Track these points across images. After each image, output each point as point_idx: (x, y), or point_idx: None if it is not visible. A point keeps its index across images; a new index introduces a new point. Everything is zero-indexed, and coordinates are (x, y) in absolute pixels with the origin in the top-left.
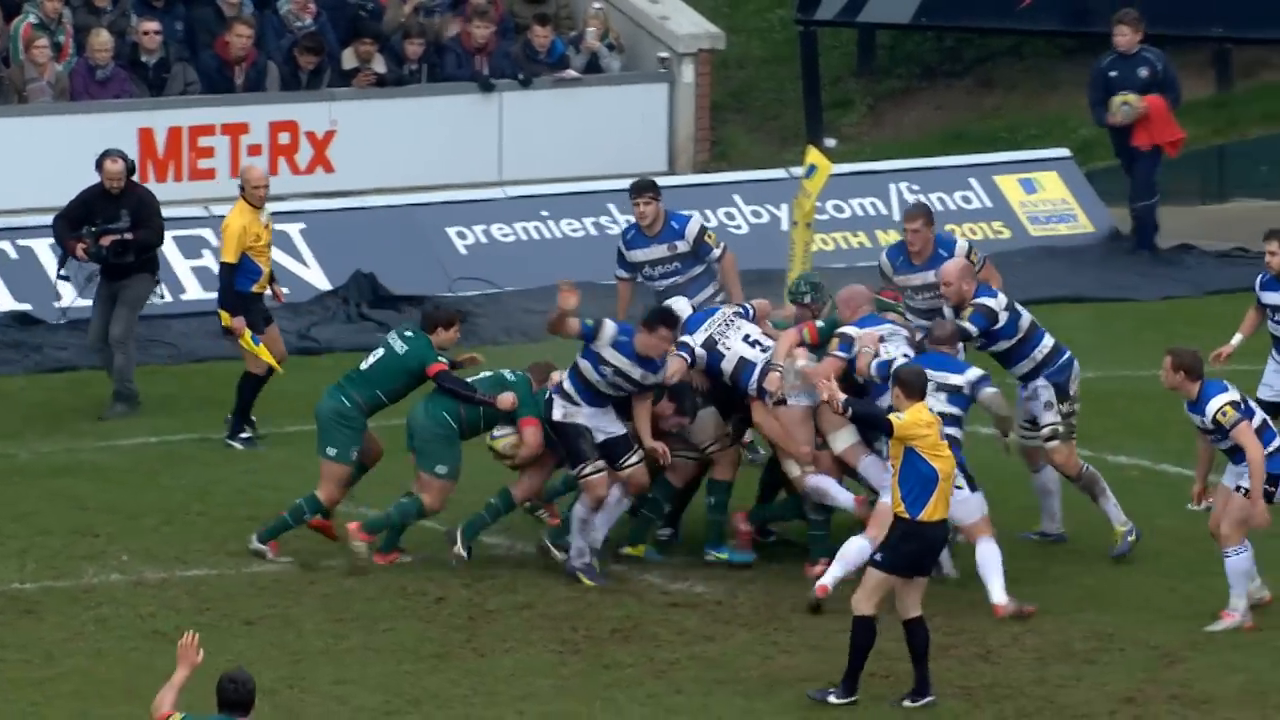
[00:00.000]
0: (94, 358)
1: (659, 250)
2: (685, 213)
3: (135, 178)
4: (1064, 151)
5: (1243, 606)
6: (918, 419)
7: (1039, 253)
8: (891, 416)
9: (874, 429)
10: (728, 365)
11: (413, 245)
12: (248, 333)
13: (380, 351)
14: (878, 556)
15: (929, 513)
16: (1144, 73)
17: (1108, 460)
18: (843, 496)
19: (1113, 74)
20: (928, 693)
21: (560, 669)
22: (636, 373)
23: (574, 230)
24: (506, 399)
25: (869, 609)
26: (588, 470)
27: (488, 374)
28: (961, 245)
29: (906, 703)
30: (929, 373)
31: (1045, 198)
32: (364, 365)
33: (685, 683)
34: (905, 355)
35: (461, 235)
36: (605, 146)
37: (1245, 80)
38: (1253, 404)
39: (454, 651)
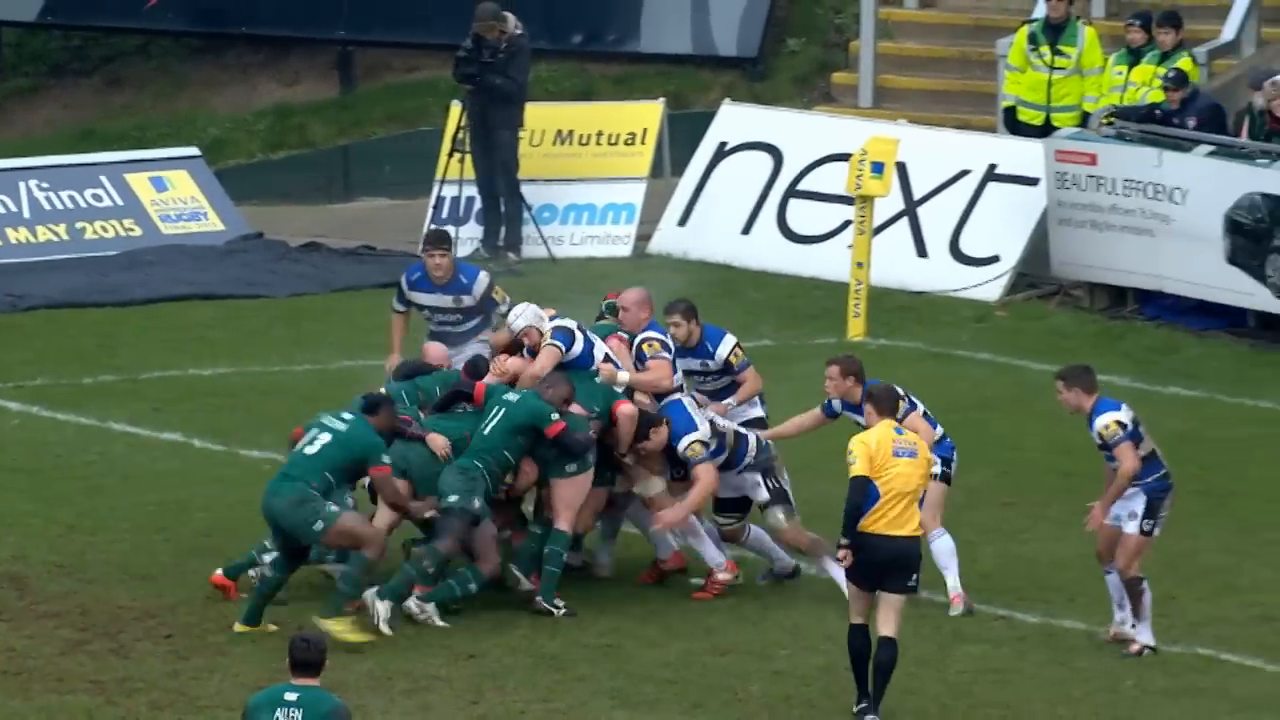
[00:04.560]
0: None
1: (444, 300)
2: (474, 266)
3: None
4: (194, 150)
5: (958, 584)
6: (859, 440)
7: (170, 251)
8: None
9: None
10: None
11: None
12: None
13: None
14: (846, 571)
15: (866, 523)
16: None
17: (241, 455)
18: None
19: None
20: (875, 711)
21: None
22: None
23: None
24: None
25: (852, 618)
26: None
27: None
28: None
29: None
30: None
31: (176, 196)
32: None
33: None
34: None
35: None
36: None
37: (368, 82)
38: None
39: None
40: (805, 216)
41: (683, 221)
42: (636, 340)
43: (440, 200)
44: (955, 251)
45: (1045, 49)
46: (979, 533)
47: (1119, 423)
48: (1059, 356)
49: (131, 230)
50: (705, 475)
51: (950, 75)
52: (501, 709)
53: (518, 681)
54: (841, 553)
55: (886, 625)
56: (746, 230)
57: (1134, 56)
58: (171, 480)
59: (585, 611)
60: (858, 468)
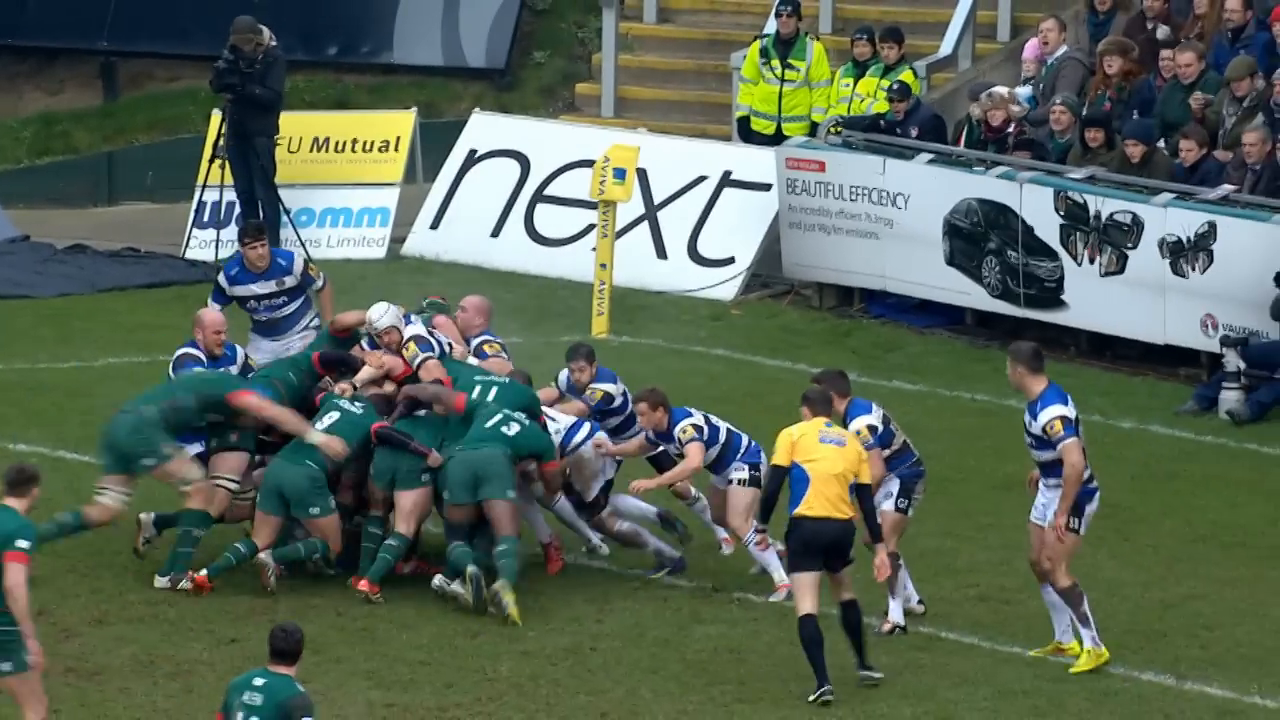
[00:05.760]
0: None
1: (268, 286)
2: (286, 249)
3: None
4: None
5: (781, 574)
6: (784, 432)
7: None
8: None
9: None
10: None
11: None
12: None
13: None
14: (788, 563)
15: (800, 509)
16: None
17: (10, 448)
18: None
19: None
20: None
21: None
22: None
23: None
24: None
25: (804, 609)
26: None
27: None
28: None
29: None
30: None
31: None
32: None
33: None
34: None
35: None
36: None
37: (132, 91)
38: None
39: None
40: (551, 220)
41: (435, 225)
42: (474, 343)
43: (202, 205)
44: (693, 253)
45: (776, 62)
46: None
47: (870, 427)
48: (791, 353)
49: None
50: None
51: (687, 87)
52: None
53: None
54: (759, 537)
55: (844, 592)
56: (496, 233)
57: (860, 70)
58: None
59: (343, 596)
60: (775, 458)
